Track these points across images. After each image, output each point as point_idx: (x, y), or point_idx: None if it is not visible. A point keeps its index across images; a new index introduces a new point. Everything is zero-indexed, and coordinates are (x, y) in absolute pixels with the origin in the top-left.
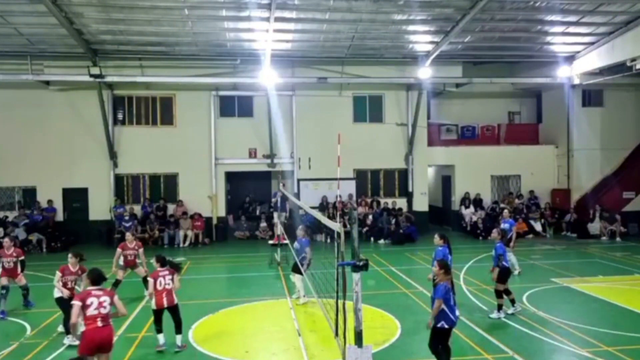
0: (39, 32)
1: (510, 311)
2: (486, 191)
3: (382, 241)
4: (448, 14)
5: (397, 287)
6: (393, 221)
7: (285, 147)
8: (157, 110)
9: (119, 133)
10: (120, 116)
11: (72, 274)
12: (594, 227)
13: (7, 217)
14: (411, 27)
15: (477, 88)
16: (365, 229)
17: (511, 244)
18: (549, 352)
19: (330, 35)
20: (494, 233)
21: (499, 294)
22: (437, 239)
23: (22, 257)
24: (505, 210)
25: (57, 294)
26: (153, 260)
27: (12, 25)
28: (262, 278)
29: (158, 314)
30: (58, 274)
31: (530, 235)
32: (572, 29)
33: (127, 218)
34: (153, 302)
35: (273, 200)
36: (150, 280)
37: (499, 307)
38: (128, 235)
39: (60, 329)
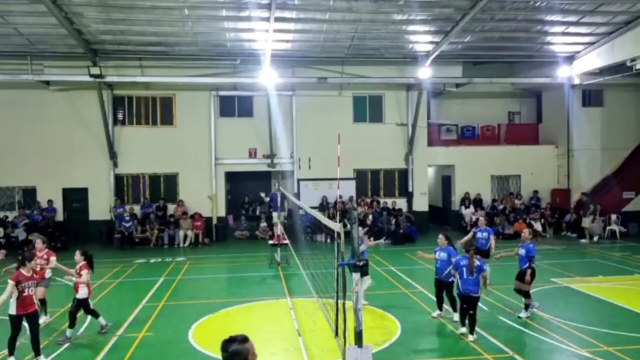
0: (39, 32)
1: (524, 315)
2: (486, 191)
3: (382, 241)
4: (448, 14)
5: (397, 287)
6: (393, 221)
7: (285, 147)
8: (157, 110)
9: (119, 133)
10: (120, 116)
11: (28, 279)
12: (594, 227)
13: (7, 217)
14: (411, 27)
15: (477, 88)
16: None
17: (492, 253)
18: (549, 352)
19: (330, 35)
20: (525, 233)
21: (527, 294)
22: (442, 239)
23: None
24: (481, 218)
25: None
26: (78, 255)
27: (12, 25)
28: (262, 278)
29: (88, 302)
30: (12, 283)
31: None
32: (572, 29)
33: (127, 218)
34: (85, 291)
35: (266, 199)
36: (86, 271)
37: (527, 307)
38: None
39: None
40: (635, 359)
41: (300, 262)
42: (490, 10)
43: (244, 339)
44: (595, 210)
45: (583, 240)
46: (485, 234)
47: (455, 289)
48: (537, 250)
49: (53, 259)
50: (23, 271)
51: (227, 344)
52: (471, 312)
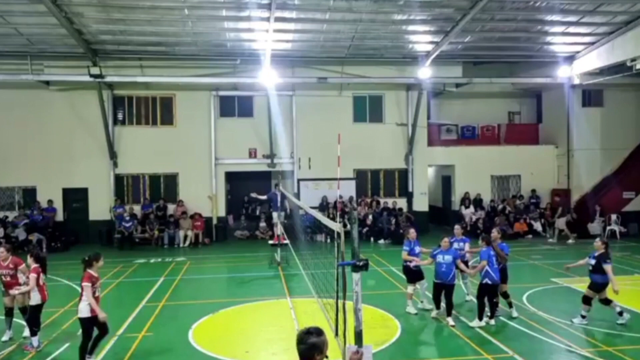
0: (39, 32)
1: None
2: (486, 191)
3: (382, 241)
4: (448, 14)
5: (397, 287)
6: (393, 221)
7: (285, 147)
8: (157, 110)
9: (119, 133)
10: (120, 116)
11: (98, 280)
12: (594, 227)
13: (7, 217)
14: (411, 27)
15: (477, 88)
16: (365, 229)
17: (469, 269)
18: (549, 352)
19: (330, 35)
20: (494, 233)
21: (506, 295)
22: (446, 242)
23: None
24: (457, 228)
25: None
26: (29, 258)
27: (12, 25)
28: (262, 278)
29: (41, 309)
30: (87, 284)
31: (530, 236)
32: (572, 29)
33: (127, 218)
34: (38, 297)
35: (260, 197)
36: (34, 275)
37: (510, 305)
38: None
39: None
40: (635, 359)
41: (300, 262)
42: (490, 10)
43: (320, 332)
44: (564, 212)
45: (550, 240)
46: (461, 244)
47: (481, 279)
48: (536, 250)
49: (22, 267)
50: (92, 272)
51: (304, 335)
52: (495, 300)
